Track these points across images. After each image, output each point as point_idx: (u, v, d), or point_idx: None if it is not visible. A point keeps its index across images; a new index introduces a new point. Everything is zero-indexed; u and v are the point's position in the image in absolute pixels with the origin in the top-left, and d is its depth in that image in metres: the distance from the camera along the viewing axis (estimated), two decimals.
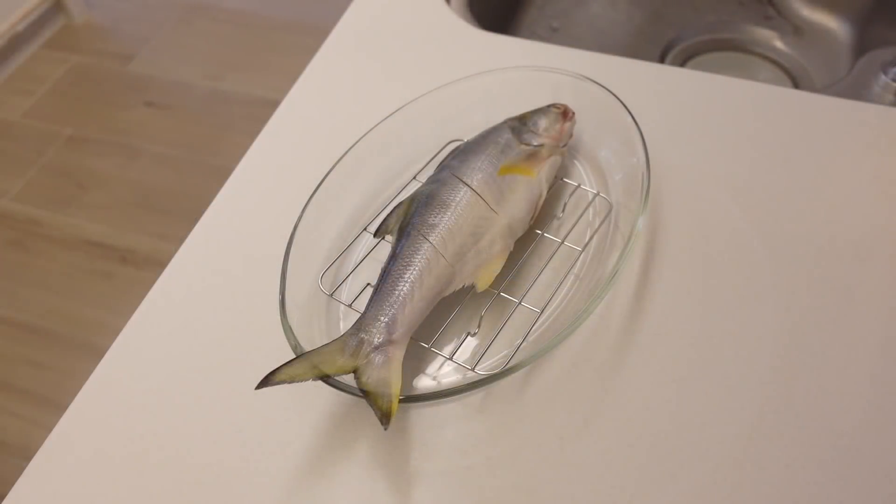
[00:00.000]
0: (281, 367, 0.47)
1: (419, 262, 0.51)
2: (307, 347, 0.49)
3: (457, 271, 0.52)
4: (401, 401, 0.47)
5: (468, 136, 0.62)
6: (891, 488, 0.45)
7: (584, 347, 0.52)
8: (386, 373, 0.47)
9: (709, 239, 0.58)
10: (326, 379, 0.47)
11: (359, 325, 0.49)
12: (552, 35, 0.95)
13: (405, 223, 0.54)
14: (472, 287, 0.53)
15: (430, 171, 0.60)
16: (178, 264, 0.60)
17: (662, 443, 0.48)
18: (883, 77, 0.77)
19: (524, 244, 0.57)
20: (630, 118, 0.59)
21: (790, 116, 0.66)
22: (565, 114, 0.61)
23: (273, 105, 0.71)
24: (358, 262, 0.58)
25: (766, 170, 0.62)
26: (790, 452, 0.47)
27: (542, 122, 0.60)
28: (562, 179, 0.62)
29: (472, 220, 0.54)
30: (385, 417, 0.46)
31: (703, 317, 0.53)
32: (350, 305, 0.55)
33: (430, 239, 0.52)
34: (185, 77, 2.08)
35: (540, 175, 0.58)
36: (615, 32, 0.95)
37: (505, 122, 0.61)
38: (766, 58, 0.91)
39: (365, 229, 0.59)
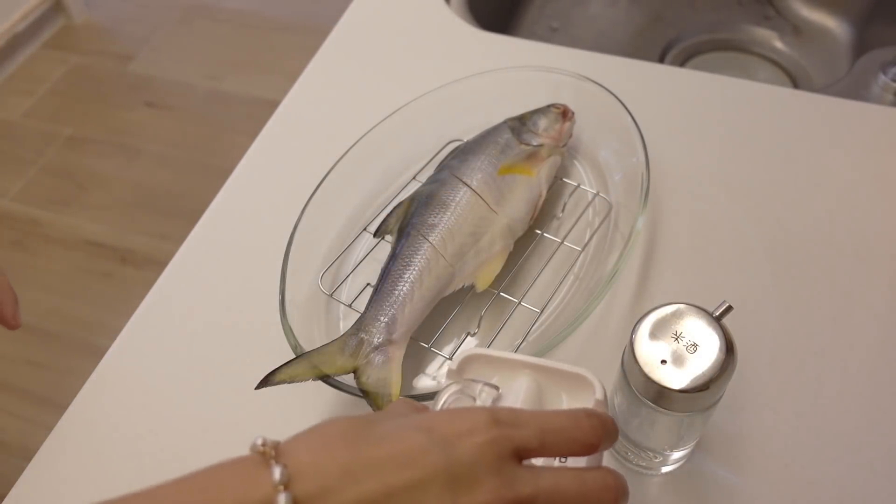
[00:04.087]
0: (281, 367, 0.47)
1: (419, 262, 0.51)
2: (307, 347, 0.49)
3: (456, 271, 0.52)
4: None
5: (468, 136, 0.62)
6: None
7: (584, 347, 0.52)
8: (386, 373, 0.47)
9: (708, 238, 0.58)
10: (326, 379, 0.47)
11: (358, 325, 0.49)
12: (552, 35, 0.95)
13: (405, 223, 0.54)
14: (472, 287, 0.53)
15: (430, 171, 0.60)
16: (178, 264, 0.60)
17: None
18: (882, 77, 0.77)
19: (524, 244, 0.57)
20: (630, 118, 0.59)
21: (790, 116, 0.66)
22: (565, 114, 0.61)
23: (273, 105, 0.71)
24: (358, 262, 0.58)
25: (766, 169, 0.62)
26: (790, 453, 0.47)
27: (542, 122, 0.60)
28: (561, 179, 0.62)
29: (472, 220, 0.54)
30: None
31: None
32: (350, 305, 0.55)
33: (430, 239, 0.52)
34: (185, 77, 2.08)
35: (539, 175, 0.58)
36: (615, 32, 0.95)
37: (505, 122, 0.61)
38: (765, 58, 0.91)
39: (365, 229, 0.59)
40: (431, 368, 0.52)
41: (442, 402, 0.36)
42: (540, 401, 0.37)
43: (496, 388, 0.37)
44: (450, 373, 0.38)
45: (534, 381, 0.37)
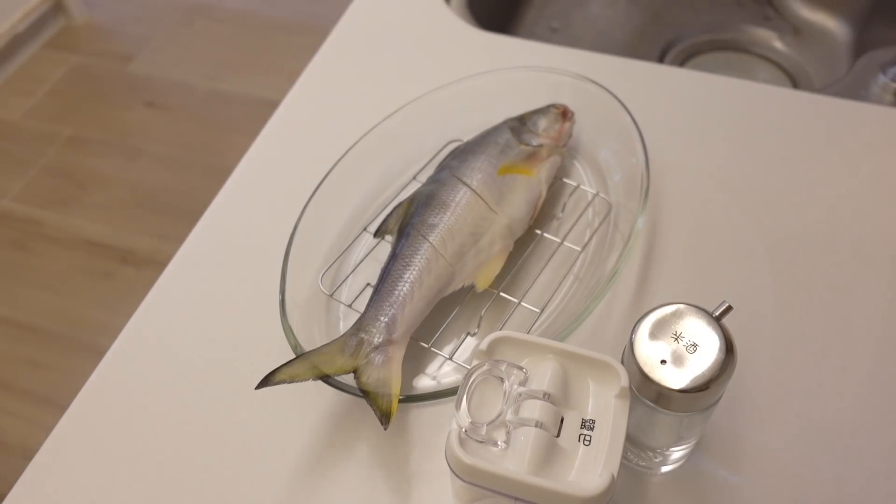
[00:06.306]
0: (281, 367, 0.47)
1: (419, 262, 0.51)
2: (307, 347, 0.49)
3: (456, 271, 0.52)
4: (401, 401, 0.47)
5: (468, 136, 0.62)
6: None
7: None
8: (386, 373, 0.47)
9: (708, 238, 0.58)
10: (326, 379, 0.47)
11: (359, 325, 0.49)
12: (552, 35, 0.95)
13: (405, 223, 0.54)
14: (472, 287, 0.53)
15: (430, 171, 0.60)
16: (178, 264, 0.60)
17: None
18: (882, 77, 0.77)
19: (524, 244, 0.57)
20: (629, 118, 0.59)
21: (789, 116, 0.66)
22: (565, 114, 0.61)
23: (273, 105, 0.71)
24: (358, 262, 0.58)
25: (766, 170, 0.62)
26: (790, 453, 0.47)
27: (542, 123, 0.60)
28: (561, 179, 0.62)
29: (472, 220, 0.54)
30: (385, 417, 0.46)
31: None
32: (350, 305, 0.55)
33: (430, 239, 0.52)
34: (185, 77, 2.08)
35: (539, 175, 0.58)
36: (615, 32, 0.95)
37: (504, 122, 0.61)
38: (765, 58, 0.91)
39: (365, 229, 0.59)
40: (431, 368, 0.52)
41: (470, 381, 0.37)
42: (565, 385, 0.38)
43: (523, 370, 0.38)
44: (478, 353, 0.39)
45: (560, 366, 0.38)
